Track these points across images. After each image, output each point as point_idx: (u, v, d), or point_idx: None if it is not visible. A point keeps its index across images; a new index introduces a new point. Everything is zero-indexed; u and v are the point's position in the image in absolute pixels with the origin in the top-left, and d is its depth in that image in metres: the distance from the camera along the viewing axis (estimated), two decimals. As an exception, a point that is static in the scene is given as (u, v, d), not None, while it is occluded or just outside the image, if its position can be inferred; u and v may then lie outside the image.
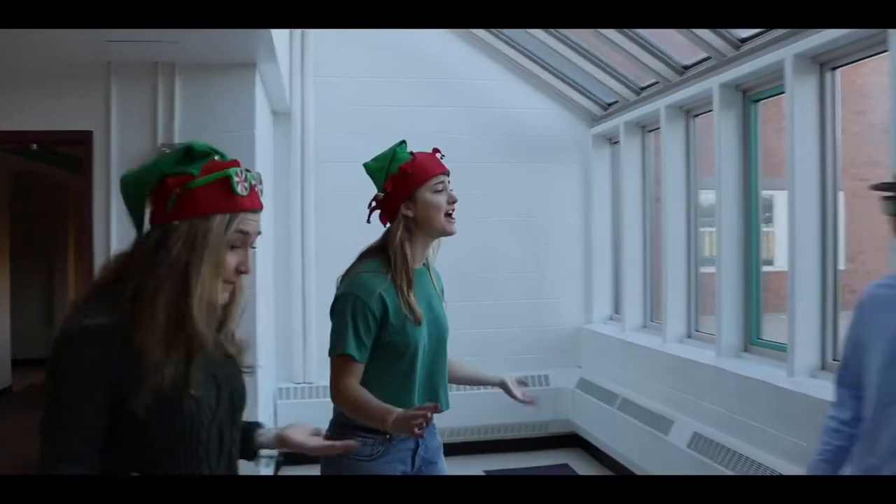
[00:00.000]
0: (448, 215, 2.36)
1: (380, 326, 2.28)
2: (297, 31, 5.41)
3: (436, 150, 2.45)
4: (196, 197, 1.43)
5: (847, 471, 2.28)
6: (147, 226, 1.46)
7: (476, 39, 5.99)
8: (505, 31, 5.78)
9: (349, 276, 2.35)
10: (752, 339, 4.46)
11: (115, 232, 3.99)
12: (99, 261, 4.00)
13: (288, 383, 5.64)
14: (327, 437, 2.32)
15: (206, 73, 4.07)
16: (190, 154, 1.45)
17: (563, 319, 6.27)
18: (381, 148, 2.39)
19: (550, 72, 5.99)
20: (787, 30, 3.78)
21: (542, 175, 6.19)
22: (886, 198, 2.15)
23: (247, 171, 1.50)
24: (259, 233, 1.53)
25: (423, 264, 2.44)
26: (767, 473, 3.68)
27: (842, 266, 4.03)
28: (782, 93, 3.93)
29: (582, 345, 6.23)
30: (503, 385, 2.60)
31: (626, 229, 5.79)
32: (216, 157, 1.48)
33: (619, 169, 5.99)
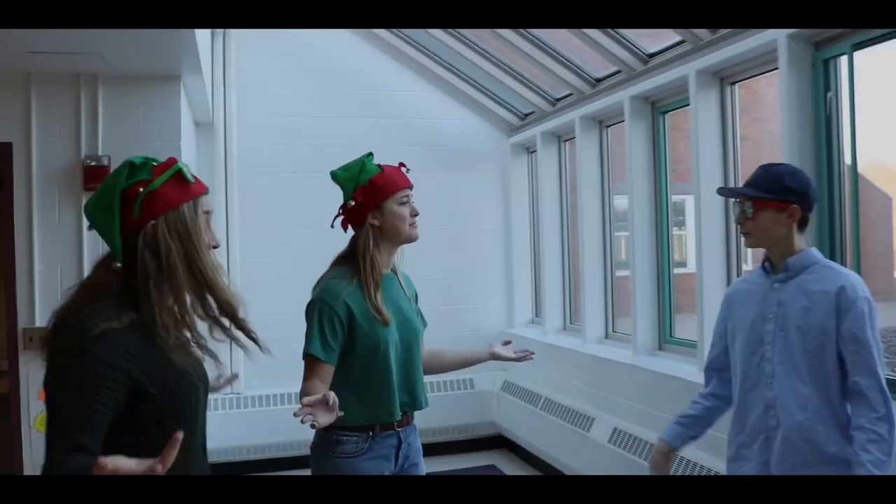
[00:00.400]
0: (411, 225, 2.51)
1: (348, 328, 2.40)
2: (220, 43, 5.43)
3: (401, 165, 2.60)
4: (160, 195, 1.57)
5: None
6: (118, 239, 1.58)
7: (398, 52, 6.12)
8: (425, 43, 5.92)
9: (320, 283, 2.48)
10: (665, 338, 4.71)
11: (37, 246, 3.95)
12: (21, 275, 3.95)
13: (214, 395, 5.61)
14: (315, 444, 2.53)
15: (130, 85, 4.07)
16: (133, 167, 1.58)
17: (485, 323, 6.44)
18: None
19: (469, 83, 6.17)
20: (692, 46, 4.04)
21: (463, 183, 6.36)
22: (734, 203, 2.42)
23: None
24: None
25: (392, 270, 2.57)
26: (680, 462, 3.91)
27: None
28: (687, 105, 4.19)
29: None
30: (493, 355, 2.84)
31: (544, 235, 6.01)
32: (154, 164, 1.62)
33: (537, 177, 6.21)
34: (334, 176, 2.56)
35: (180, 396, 1.59)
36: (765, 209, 2.36)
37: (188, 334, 1.63)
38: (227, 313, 1.65)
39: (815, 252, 2.41)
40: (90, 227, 1.62)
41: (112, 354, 1.49)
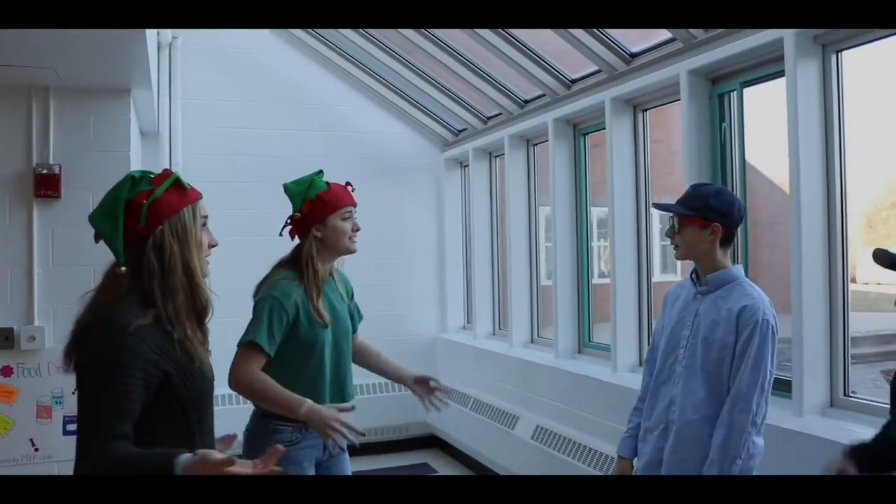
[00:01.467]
0: (350, 239, 2.78)
1: (291, 326, 2.66)
2: (166, 54, 5.62)
3: (348, 184, 2.89)
4: (162, 203, 1.78)
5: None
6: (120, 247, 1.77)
7: (339, 69, 6.40)
8: (365, 61, 6.21)
9: (268, 281, 2.73)
10: (584, 343, 5.09)
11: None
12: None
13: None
14: (248, 431, 2.74)
15: (81, 97, 4.23)
16: (135, 179, 1.79)
17: (419, 329, 6.75)
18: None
19: (407, 100, 6.48)
20: (607, 76, 4.44)
21: (400, 195, 6.67)
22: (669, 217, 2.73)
23: None
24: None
25: (330, 275, 2.84)
26: (594, 455, 4.27)
27: (658, 278, 4.72)
28: (604, 128, 4.58)
29: (437, 352, 6.74)
30: (413, 386, 2.97)
31: (475, 246, 6.37)
32: (151, 175, 1.84)
33: (469, 190, 6.57)
34: (286, 188, 2.82)
35: (199, 384, 1.80)
36: (690, 225, 2.59)
37: (188, 330, 1.80)
38: (199, 314, 1.85)
39: (737, 270, 2.64)
40: (97, 238, 1.80)
41: (145, 347, 1.68)
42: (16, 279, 4.12)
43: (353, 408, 2.74)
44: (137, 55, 3.80)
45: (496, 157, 6.31)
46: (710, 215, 2.57)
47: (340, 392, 2.80)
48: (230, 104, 6.14)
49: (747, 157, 3.73)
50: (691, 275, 2.72)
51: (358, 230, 2.83)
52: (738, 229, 2.74)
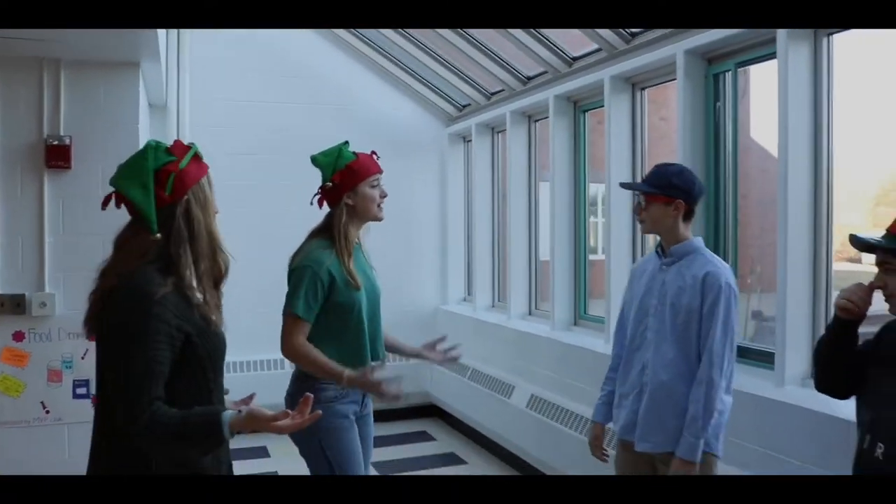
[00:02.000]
0: (379, 206, 2.92)
1: (328, 291, 2.81)
2: (174, 29, 5.70)
3: (373, 153, 3.01)
4: (187, 173, 1.88)
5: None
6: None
7: (342, 42, 6.49)
8: (369, 36, 6.30)
9: (302, 251, 2.88)
10: (580, 315, 5.22)
11: (3, 221, 4.20)
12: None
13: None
14: (290, 394, 2.90)
15: (91, 70, 4.31)
16: (159, 149, 1.89)
17: (421, 301, 6.89)
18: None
19: (411, 75, 6.57)
20: (607, 54, 4.52)
21: (403, 170, 6.74)
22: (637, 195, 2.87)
23: None
24: None
25: (357, 242, 2.98)
26: (587, 423, 4.41)
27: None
28: (604, 105, 4.67)
29: (438, 323, 6.87)
30: (420, 355, 3.19)
31: (476, 220, 6.48)
32: (166, 146, 1.92)
33: (472, 165, 6.67)
34: (314, 160, 2.93)
35: (215, 344, 1.91)
36: (655, 202, 2.80)
37: (207, 294, 1.91)
38: (218, 276, 1.96)
39: (698, 241, 2.86)
40: (105, 204, 1.89)
41: (169, 314, 1.79)
42: (27, 247, 4.23)
43: (383, 363, 2.94)
44: (146, 31, 3.89)
45: (498, 132, 6.40)
46: (674, 192, 2.78)
47: (375, 352, 2.96)
48: (237, 78, 6.25)
49: (758, 139, 3.82)
50: (656, 248, 2.92)
51: (385, 197, 2.96)
52: (719, 206, 2.85)
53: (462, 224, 6.99)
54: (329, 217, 2.94)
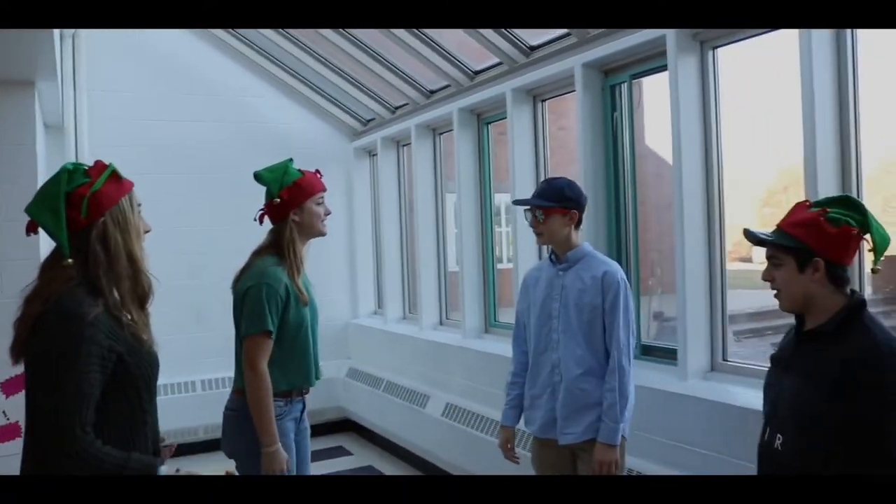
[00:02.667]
0: (323, 222, 2.97)
1: (284, 309, 2.82)
2: (69, 45, 5.53)
3: (317, 171, 3.05)
4: (102, 195, 1.83)
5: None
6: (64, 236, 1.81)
7: (244, 58, 6.43)
8: (273, 52, 6.27)
9: (253, 269, 2.86)
10: (490, 323, 5.33)
11: None
12: None
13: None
14: (231, 409, 2.96)
15: (-16, 90, 4.18)
16: (71, 172, 1.84)
17: (332, 316, 6.86)
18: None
19: (316, 91, 6.57)
20: (508, 67, 4.66)
21: (309, 185, 6.75)
22: (525, 210, 3.02)
23: None
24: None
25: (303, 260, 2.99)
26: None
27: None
28: (506, 117, 4.80)
29: (350, 337, 6.88)
30: None
31: (385, 233, 6.53)
32: (85, 167, 1.88)
33: (378, 179, 6.72)
34: (258, 176, 2.92)
35: (148, 363, 1.88)
36: (553, 215, 2.98)
37: (133, 315, 1.87)
38: (142, 299, 1.92)
39: (587, 246, 3.07)
40: (29, 230, 1.85)
41: (101, 335, 1.76)
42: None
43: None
44: (42, 46, 3.77)
45: (404, 145, 6.47)
46: (568, 204, 2.98)
47: (316, 370, 3.01)
48: (137, 95, 6.11)
49: (653, 146, 4.00)
50: (550, 256, 3.09)
51: (329, 214, 3.01)
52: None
53: (370, 238, 7.02)
54: (275, 234, 2.93)
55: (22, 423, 3.80)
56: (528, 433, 3.24)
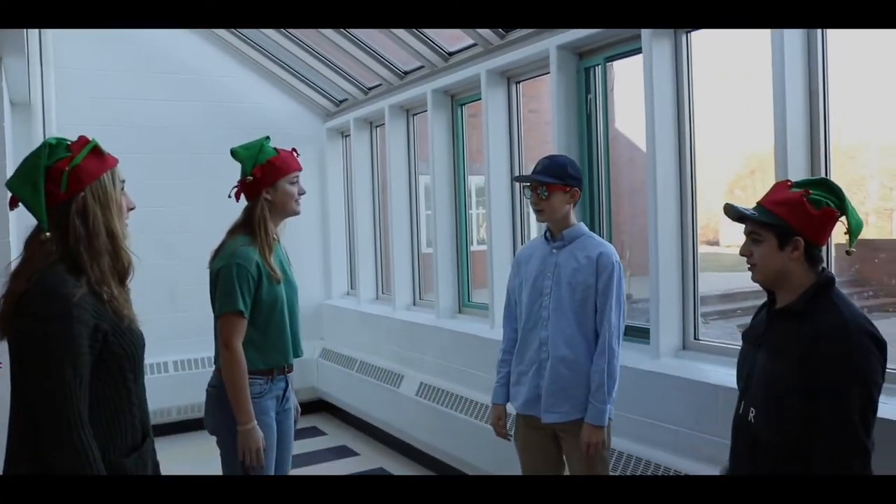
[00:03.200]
0: (296, 202, 2.95)
1: (256, 287, 2.82)
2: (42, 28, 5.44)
3: (294, 150, 3.03)
4: (83, 169, 1.82)
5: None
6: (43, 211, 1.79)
7: (216, 38, 6.37)
8: (244, 32, 6.22)
9: (225, 249, 2.86)
10: (464, 303, 5.38)
11: None
12: None
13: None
14: (213, 386, 2.94)
15: (-53, 67, 4.11)
16: (52, 147, 1.82)
17: (304, 296, 6.75)
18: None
19: (287, 70, 6.53)
20: (483, 49, 4.68)
21: (281, 165, 6.72)
22: (524, 187, 3.04)
23: None
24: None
25: (275, 238, 2.98)
26: (475, 406, 4.57)
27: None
28: (480, 99, 4.82)
29: (323, 318, 6.89)
30: None
31: (358, 214, 6.55)
32: (68, 142, 1.87)
33: (351, 160, 6.71)
34: (234, 153, 2.91)
35: (131, 341, 1.87)
36: (556, 192, 2.98)
37: (114, 291, 1.85)
38: (121, 275, 1.91)
39: (583, 226, 3.08)
40: (12, 204, 1.82)
41: (87, 315, 1.75)
42: None
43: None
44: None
45: (377, 126, 6.47)
46: (571, 182, 2.99)
47: (297, 348, 3.01)
48: (106, 74, 6.03)
49: (624, 130, 4.05)
50: (545, 234, 3.10)
51: (303, 193, 3.00)
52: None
53: (343, 219, 7.02)
54: (248, 212, 2.94)
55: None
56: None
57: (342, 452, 5.75)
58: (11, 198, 1.84)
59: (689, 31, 3.57)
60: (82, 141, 1.88)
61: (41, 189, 1.78)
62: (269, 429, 2.90)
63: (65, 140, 1.88)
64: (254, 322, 2.86)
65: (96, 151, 1.88)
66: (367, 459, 5.56)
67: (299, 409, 3.21)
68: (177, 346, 6.10)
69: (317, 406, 6.70)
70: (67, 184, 1.80)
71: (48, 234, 1.80)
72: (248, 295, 2.82)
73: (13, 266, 1.85)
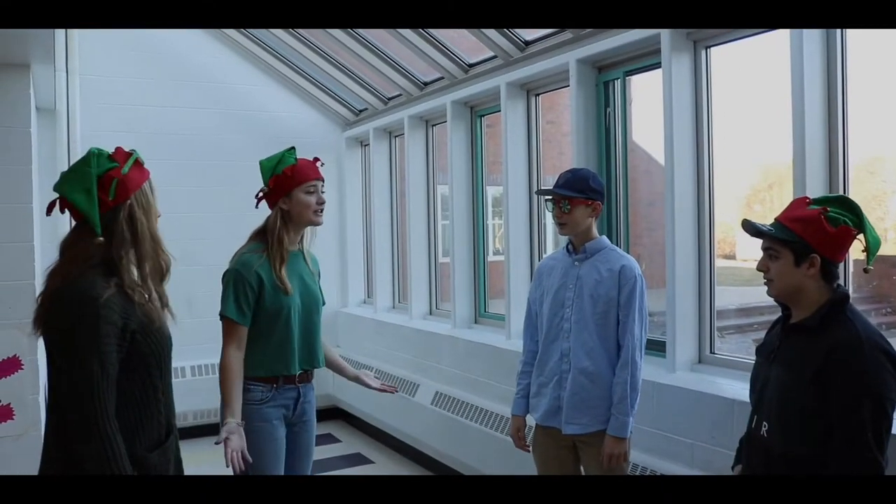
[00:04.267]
0: (315, 212, 2.94)
1: (258, 294, 2.84)
2: (63, 30, 5.52)
3: (316, 159, 3.04)
4: (129, 178, 1.94)
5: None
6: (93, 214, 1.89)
7: (239, 47, 6.45)
8: (266, 40, 6.29)
9: (237, 254, 2.92)
10: (480, 313, 5.39)
11: None
12: None
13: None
14: None
15: (-22, 73, 4.18)
16: (101, 156, 1.93)
17: (321, 304, 6.90)
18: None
19: (308, 79, 6.59)
20: (503, 61, 4.71)
21: (301, 173, 6.78)
22: (546, 200, 3.07)
23: None
24: None
25: (298, 248, 3.01)
26: (490, 416, 4.58)
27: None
28: (499, 110, 4.85)
29: (339, 326, 6.93)
30: (357, 380, 3.25)
31: (376, 222, 6.59)
32: (108, 153, 1.97)
33: (370, 169, 6.76)
34: (260, 165, 2.96)
35: (160, 344, 1.96)
36: (578, 206, 2.99)
37: (152, 293, 1.97)
38: (161, 276, 2.02)
39: (605, 239, 3.10)
40: (62, 209, 1.92)
41: (115, 315, 1.84)
42: None
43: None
44: (40, 30, 3.79)
45: (396, 136, 6.52)
46: (593, 195, 3.01)
47: (310, 359, 3.00)
48: (130, 81, 6.13)
49: (641, 143, 4.06)
50: (567, 246, 3.11)
51: (323, 203, 2.98)
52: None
53: (361, 227, 7.06)
54: (266, 220, 2.98)
55: (13, 406, 3.86)
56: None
57: (357, 460, 5.77)
58: (52, 202, 1.94)
59: (709, 47, 3.59)
60: (122, 152, 1.99)
61: (94, 195, 1.89)
62: (269, 436, 2.88)
63: (105, 151, 1.98)
64: (256, 329, 2.87)
65: (138, 162, 1.99)
66: (381, 467, 5.58)
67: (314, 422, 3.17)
68: (193, 351, 6.14)
69: (332, 413, 6.74)
70: (116, 192, 1.91)
71: (101, 238, 1.90)
72: (245, 301, 2.84)
73: (51, 267, 1.94)
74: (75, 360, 1.80)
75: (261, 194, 2.97)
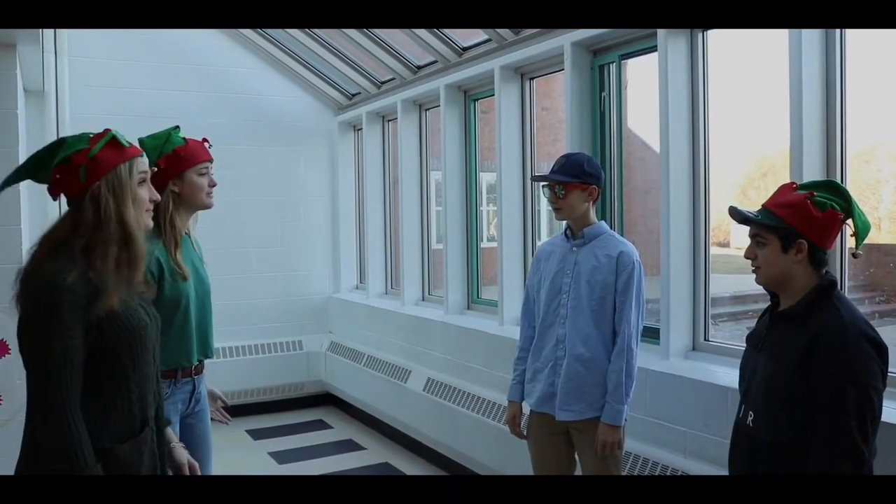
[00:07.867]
0: (208, 194, 2.80)
1: (158, 282, 2.64)
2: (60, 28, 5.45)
3: (205, 140, 2.89)
4: (99, 160, 1.86)
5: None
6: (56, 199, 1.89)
7: (232, 30, 6.36)
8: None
9: None
10: (473, 299, 5.36)
11: None
12: None
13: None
14: None
15: (-36, 53, 4.11)
16: (81, 138, 1.88)
17: (313, 289, 6.89)
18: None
19: (301, 63, 6.52)
20: (497, 45, 4.65)
21: (293, 157, 6.74)
22: (543, 186, 3.03)
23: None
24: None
25: (186, 233, 2.83)
26: (483, 403, 4.56)
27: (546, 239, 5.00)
28: (493, 94, 4.80)
29: (331, 312, 6.90)
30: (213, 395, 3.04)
31: (368, 207, 6.54)
32: (90, 135, 1.90)
33: (363, 153, 6.71)
34: (141, 143, 2.70)
35: (131, 335, 1.87)
36: (573, 191, 2.96)
37: (117, 281, 1.86)
38: (129, 265, 1.90)
39: (604, 224, 3.07)
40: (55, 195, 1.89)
41: (80, 299, 1.77)
42: None
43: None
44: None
45: (389, 120, 6.46)
46: (589, 179, 2.96)
47: (204, 348, 2.84)
48: (119, 63, 6.05)
49: (636, 130, 4.02)
50: (565, 231, 3.07)
51: (214, 185, 2.82)
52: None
53: (353, 212, 7.01)
54: (156, 205, 2.85)
55: (0, 391, 3.82)
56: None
57: (348, 446, 5.75)
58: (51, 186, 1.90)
59: (705, 30, 3.55)
60: (103, 133, 1.91)
61: (42, 169, 1.89)
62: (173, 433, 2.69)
63: (88, 133, 1.92)
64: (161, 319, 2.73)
65: (113, 143, 1.90)
66: (372, 454, 5.55)
67: (219, 395, 3.04)
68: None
69: (324, 399, 6.73)
70: (86, 174, 1.85)
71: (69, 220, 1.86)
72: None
73: (34, 247, 1.89)
74: (36, 344, 1.76)
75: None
